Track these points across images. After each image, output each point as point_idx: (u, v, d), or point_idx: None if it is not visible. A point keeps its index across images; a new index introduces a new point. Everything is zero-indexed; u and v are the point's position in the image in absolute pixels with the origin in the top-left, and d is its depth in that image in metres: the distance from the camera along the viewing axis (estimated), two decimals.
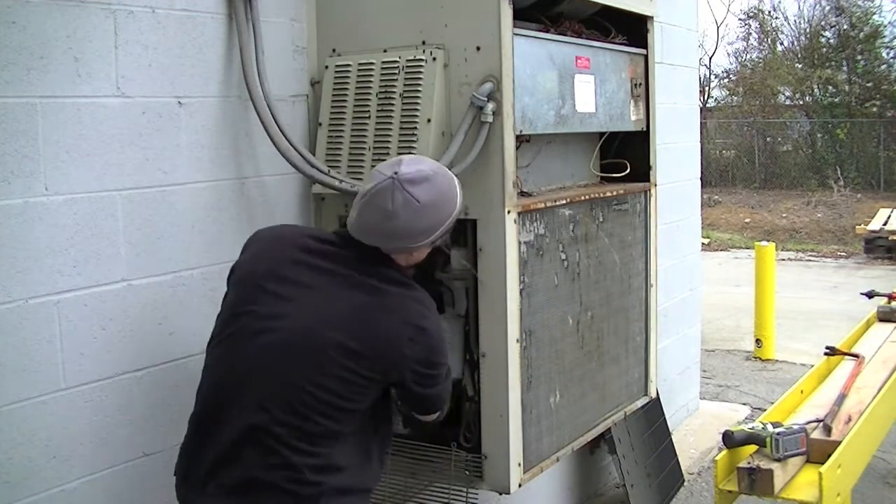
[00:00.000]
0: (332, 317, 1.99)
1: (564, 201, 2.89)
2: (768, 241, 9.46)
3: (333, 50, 2.83)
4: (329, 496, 1.99)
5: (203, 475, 2.00)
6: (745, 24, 24.56)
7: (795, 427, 3.10)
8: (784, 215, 16.95)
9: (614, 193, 3.18)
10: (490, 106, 2.52)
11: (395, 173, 2.03)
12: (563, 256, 2.88)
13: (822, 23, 22.75)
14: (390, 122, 2.64)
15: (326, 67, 2.81)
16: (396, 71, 2.65)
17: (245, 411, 1.97)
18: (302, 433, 1.96)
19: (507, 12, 2.53)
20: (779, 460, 2.96)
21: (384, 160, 2.59)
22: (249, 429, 1.96)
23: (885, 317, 4.74)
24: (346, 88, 2.75)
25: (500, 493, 2.75)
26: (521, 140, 2.74)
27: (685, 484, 4.74)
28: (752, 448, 3.07)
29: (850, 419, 3.33)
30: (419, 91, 2.60)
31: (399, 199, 2.01)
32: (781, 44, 24.02)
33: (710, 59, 24.48)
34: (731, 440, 3.07)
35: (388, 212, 2.02)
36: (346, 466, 2.02)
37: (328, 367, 1.96)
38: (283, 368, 1.97)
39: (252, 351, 2.00)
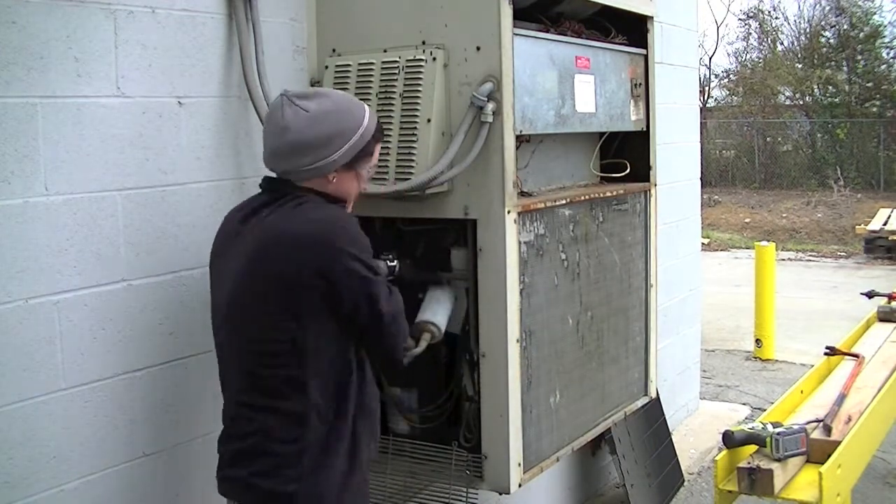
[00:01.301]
0: (234, 266, 2.05)
1: (564, 201, 2.89)
2: (768, 241, 9.46)
3: (333, 50, 2.83)
4: (312, 454, 2.00)
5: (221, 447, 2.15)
6: (745, 24, 24.61)
7: (795, 427, 3.10)
8: (784, 215, 16.95)
9: (614, 193, 3.18)
10: (490, 106, 2.52)
11: (285, 91, 2.06)
12: (563, 256, 2.88)
13: (823, 23, 22.76)
14: (390, 122, 2.64)
15: (326, 67, 2.81)
16: (396, 71, 2.65)
17: (225, 387, 2.14)
18: (259, 391, 2.03)
19: (507, 12, 2.53)
20: (779, 460, 2.96)
21: (384, 160, 2.60)
22: (229, 404, 2.13)
23: (886, 317, 4.74)
24: (346, 88, 2.74)
25: (500, 493, 2.75)
26: (521, 140, 2.74)
27: (685, 484, 4.74)
28: (752, 448, 3.07)
29: (850, 419, 3.33)
30: (419, 91, 2.60)
31: (289, 113, 2.02)
32: (781, 44, 24.06)
33: (710, 59, 24.53)
34: (731, 440, 3.07)
35: (278, 126, 2.03)
36: (317, 414, 2.00)
37: (247, 314, 2.02)
38: (229, 338, 2.09)
39: (216, 329, 2.16)
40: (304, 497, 2.00)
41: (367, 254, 2.04)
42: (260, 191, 2.15)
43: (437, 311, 2.61)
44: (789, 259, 13.21)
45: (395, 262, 2.58)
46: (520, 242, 2.64)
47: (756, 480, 2.91)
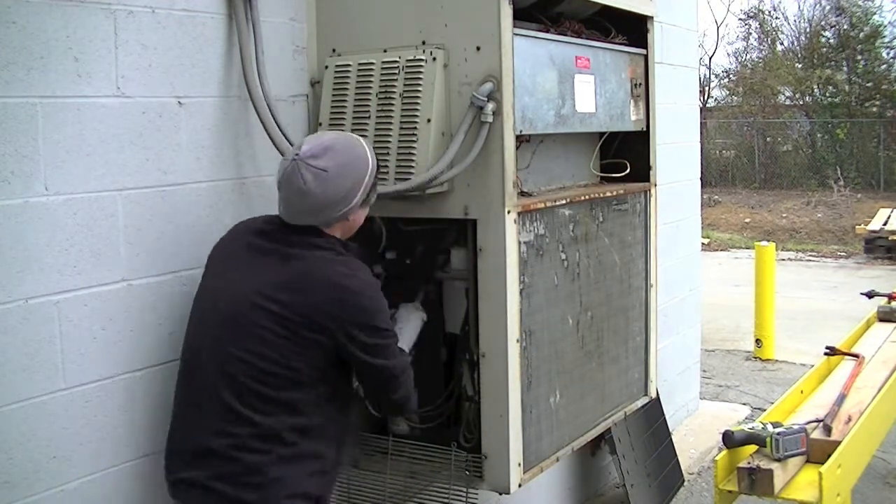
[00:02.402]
0: (256, 284, 2.11)
1: (564, 201, 2.89)
2: (768, 241, 9.46)
3: (333, 50, 2.83)
4: (276, 464, 2.05)
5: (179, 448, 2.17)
6: (745, 24, 24.60)
7: (795, 427, 3.10)
8: (784, 215, 16.95)
9: (614, 193, 3.18)
10: (490, 106, 2.52)
11: (297, 154, 2.15)
12: (563, 256, 2.88)
13: (823, 23, 22.76)
14: (390, 123, 2.64)
15: (326, 67, 2.81)
16: (396, 71, 2.65)
17: (196, 386, 2.15)
18: (241, 401, 2.06)
19: (507, 12, 2.53)
20: (779, 460, 2.96)
21: (384, 160, 2.60)
22: (204, 400, 2.12)
23: (886, 317, 4.74)
24: (346, 88, 2.75)
25: (500, 493, 2.75)
26: (521, 140, 2.74)
27: (685, 484, 4.74)
28: (752, 448, 3.07)
29: (850, 419, 3.33)
30: (419, 91, 2.60)
31: (308, 176, 2.12)
32: (781, 44, 24.06)
33: (710, 59, 24.52)
34: (731, 440, 3.07)
35: (301, 190, 2.13)
36: (297, 434, 2.08)
37: (250, 329, 2.08)
38: (217, 338, 2.11)
39: (200, 326, 2.20)
40: None
41: (386, 322, 2.20)
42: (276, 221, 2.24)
43: (404, 334, 2.62)
44: (789, 259, 13.21)
45: (382, 272, 2.71)
46: (520, 242, 2.64)
47: (756, 480, 2.91)
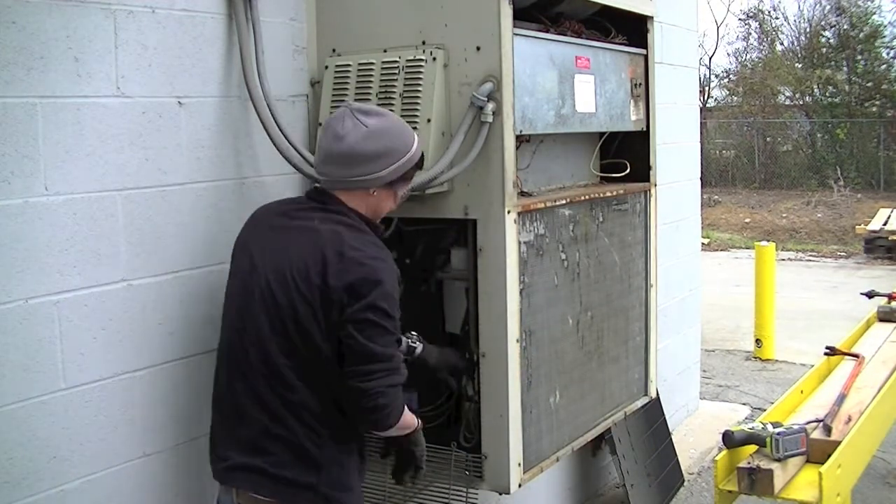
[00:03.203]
0: (280, 263, 2.14)
1: (564, 201, 2.89)
2: (768, 241, 9.46)
3: (333, 50, 2.83)
4: (332, 449, 2.15)
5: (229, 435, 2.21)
6: (745, 24, 24.60)
7: (795, 427, 3.10)
8: (784, 215, 16.95)
9: (614, 193, 3.18)
10: (490, 106, 2.52)
11: (348, 104, 2.20)
12: (563, 256, 2.88)
13: (823, 23, 22.76)
14: None
15: (326, 67, 2.81)
16: (396, 71, 2.65)
17: (235, 374, 2.19)
18: (286, 386, 2.11)
19: (506, 12, 2.53)
20: (779, 460, 2.96)
21: None
22: (242, 391, 2.17)
23: (886, 317, 4.74)
24: (346, 88, 2.75)
25: (500, 493, 2.75)
26: (521, 140, 2.74)
27: (685, 484, 4.74)
28: (752, 448, 3.07)
29: (850, 419, 3.33)
30: (419, 91, 2.60)
31: (349, 124, 2.15)
32: (781, 43, 24.06)
33: (710, 59, 24.51)
34: (731, 440, 3.07)
35: (337, 134, 2.15)
36: (340, 413, 2.14)
37: (283, 312, 2.10)
38: (256, 326, 2.14)
39: (237, 314, 2.21)
40: (326, 486, 2.12)
41: (392, 309, 2.13)
42: (305, 196, 2.30)
43: None
44: (789, 259, 13.21)
45: (419, 344, 2.59)
46: (520, 242, 2.64)
47: (756, 480, 2.91)
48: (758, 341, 7.54)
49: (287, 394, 2.11)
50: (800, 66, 22.75)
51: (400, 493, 2.84)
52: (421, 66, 2.61)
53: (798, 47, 23.50)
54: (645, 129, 3.36)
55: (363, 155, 2.15)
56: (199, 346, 2.51)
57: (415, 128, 2.59)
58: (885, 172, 19.67)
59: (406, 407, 2.22)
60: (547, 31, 2.82)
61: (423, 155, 2.29)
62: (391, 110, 2.63)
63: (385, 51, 2.70)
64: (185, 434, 2.50)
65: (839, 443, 3.07)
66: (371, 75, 2.70)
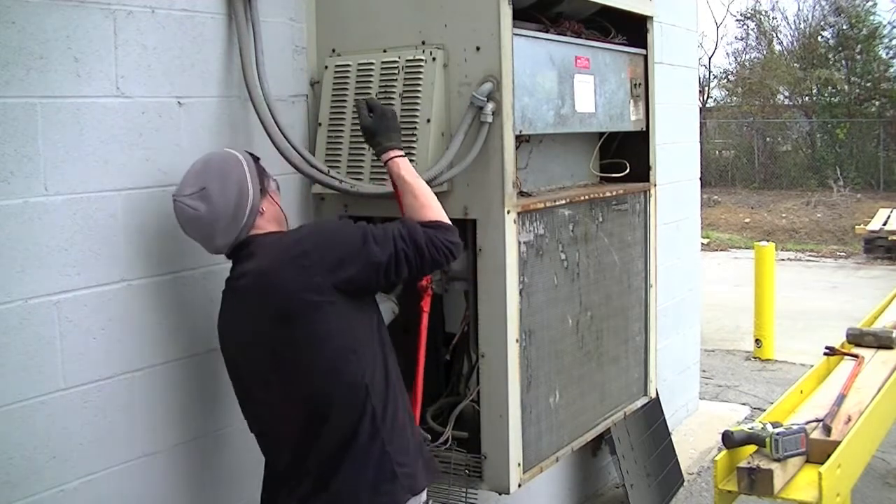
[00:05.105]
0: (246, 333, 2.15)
1: (564, 201, 2.89)
2: (768, 241, 9.46)
3: (333, 50, 2.83)
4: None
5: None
6: (744, 25, 24.61)
7: (795, 427, 3.10)
8: (784, 215, 16.95)
9: (614, 193, 3.18)
10: (490, 106, 2.52)
11: (174, 197, 2.20)
12: (563, 256, 2.88)
13: (822, 23, 22.76)
14: None
15: (326, 67, 2.81)
16: (396, 71, 2.65)
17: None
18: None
19: (506, 12, 2.53)
20: (778, 460, 2.96)
21: None
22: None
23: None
24: (346, 88, 2.75)
25: (500, 494, 2.75)
26: (521, 140, 2.74)
27: (685, 484, 4.74)
28: (752, 448, 3.07)
29: (849, 419, 3.33)
30: (419, 91, 2.60)
31: (194, 203, 2.15)
32: (780, 43, 24.05)
33: (710, 59, 24.51)
34: (730, 440, 3.07)
35: (198, 217, 2.16)
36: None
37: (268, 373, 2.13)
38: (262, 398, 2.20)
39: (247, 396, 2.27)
40: None
41: (355, 232, 2.12)
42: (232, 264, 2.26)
43: None
44: (789, 259, 13.21)
45: (394, 302, 2.61)
46: (519, 242, 2.64)
47: (756, 480, 2.91)
48: (757, 341, 7.55)
49: None
50: (798, 66, 22.74)
51: None
52: (420, 66, 2.61)
53: (796, 47, 23.50)
54: (645, 129, 3.36)
55: (231, 202, 2.16)
56: (199, 345, 2.51)
57: (414, 128, 2.59)
58: (884, 172, 19.68)
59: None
60: (547, 31, 2.82)
61: (245, 152, 2.29)
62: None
63: (385, 51, 2.70)
64: (185, 434, 2.50)
65: (839, 443, 3.07)
66: (371, 75, 2.70)
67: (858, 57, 21.74)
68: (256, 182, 2.21)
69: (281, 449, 2.17)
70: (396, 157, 2.32)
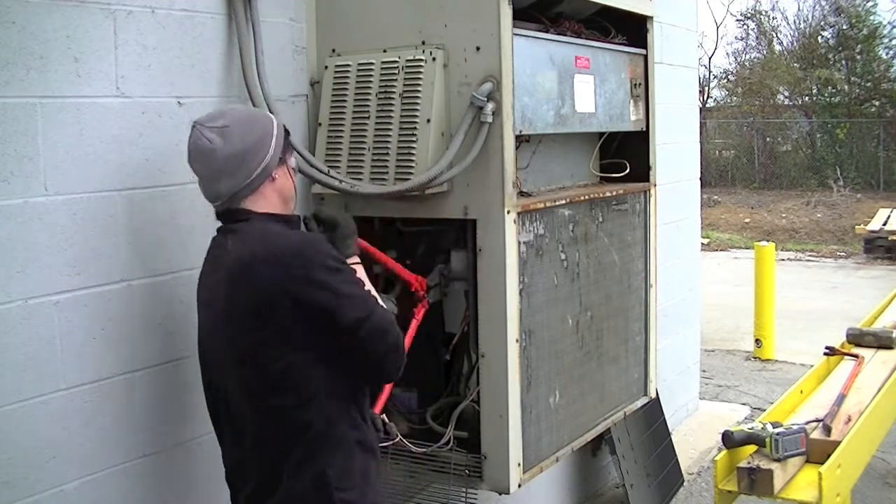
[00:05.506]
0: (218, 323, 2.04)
1: (564, 201, 2.89)
2: (768, 241, 9.46)
3: (333, 50, 2.83)
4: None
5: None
6: (744, 25, 24.61)
7: (795, 427, 3.10)
8: (783, 215, 16.95)
9: (614, 193, 3.18)
10: (490, 106, 2.52)
11: (194, 123, 2.07)
12: (563, 257, 2.88)
13: (822, 23, 22.76)
14: (390, 122, 2.64)
15: (326, 67, 2.81)
16: (396, 71, 2.65)
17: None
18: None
19: (506, 12, 2.53)
20: (778, 460, 2.96)
21: (384, 160, 2.60)
22: None
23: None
24: (346, 88, 2.75)
25: (500, 494, 2.75)
26: (521, 140, 2.74)
27: (685, 484, 4.74)
28: (752, 448, 3.07)
29: (849, 419, 3.33)
30: (419, 91, 2.60)
31: (211, 135, 2.03)
32: (780, 43, 24.05)
33: (710, 59, 24.51)
34: (730, 440, 3.07)
35: (210, 150, 2.03)
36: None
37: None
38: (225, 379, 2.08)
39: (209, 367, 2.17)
40: None
41: (336, 262, 2.00)
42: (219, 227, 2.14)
43: None
44: (789, 259, 13.21)
45: (393, 302, 2.54)
46: (519, 242, 2.64)
47: (756, 480, 2.91)
48: (757, 341, 7.55)
49: None
50: (798, 66, 22.74)
51: (399, 493, 2.84)
52: (420, 66, 2.61)
53: (796, 47, 23.50)
54: (645, 129, 3.36)
55: (245, 149, 2.04)
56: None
57: (414, 127, 2.59)
58: (884, 172, 19.68)
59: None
60: (547, 31, 2.82)
61: (282, 124, 2.19)
62: (391, 110, 2.63)
63: (385, 51, 2.70)
64: (185, 434, 2.50)
65: (839, 443, 3.07)
66: (371, 75, 2.70)
67: (858, 57, 21.73)
68: (279, 148, 2.10)
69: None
70: (354, 264, 2.20)
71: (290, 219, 2.13)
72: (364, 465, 2.04)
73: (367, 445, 2.06)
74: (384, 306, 2.07)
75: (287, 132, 2.18)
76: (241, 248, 2.00)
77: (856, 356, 4.08)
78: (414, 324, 2.63)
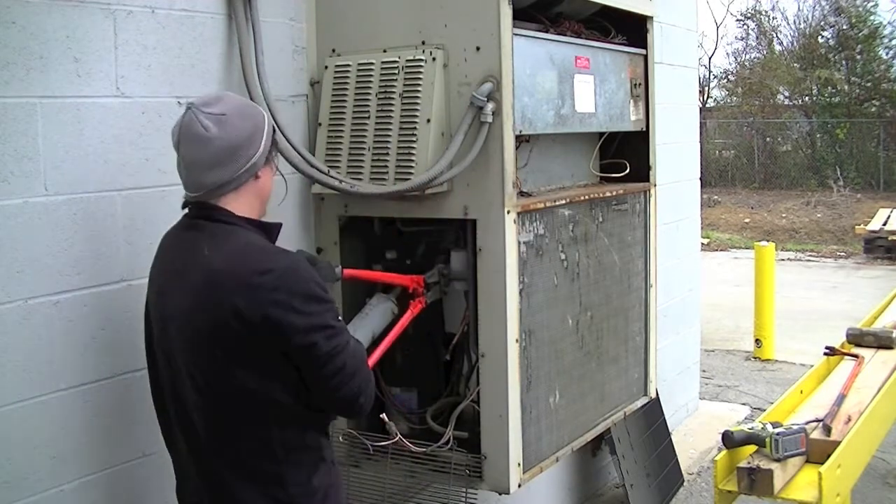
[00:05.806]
0: (177, 309, 1.94)
1: (564, 201, 2.89)
2: (768, 241, 9.47)
3: (333, 50, 2.83)
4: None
5: None
6: (744, 25, 24.61)
7: (795, 427, 3.10)
8: (784, 215, 16.95)
9: (614, 193, 3.18)
10: (490, 106, 2.51)
11: (190, 105, 1.94)
12: (563, 257, 2.88)
13: (822, 23, 22.76)
14: (390, 123, 2.64)
15: (326, 67, 2.81)
16: (396, 71, 2.65)
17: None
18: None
19: (506, 12, 2.53)
20: (778, 460, 2.96)
21: (384, 160, 2.60)
22: None
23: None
24: (346, 88, 2.75)
25: (500, 494, 2.75)
26: (521, 140, 2.74)
27: (685, 484, 4.75)
28: (752, 448, 3.07)
29: (849, 419, 3.33)
30: (419, 91, 2.60)
31: (207, 122, 1.90)
32: (780, 43, 24.05)
33: (710, 59, 24.51)
34: (730, 440, 3.07)
35: (203, 137, 1.90)
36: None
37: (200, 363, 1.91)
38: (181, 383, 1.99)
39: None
40: None
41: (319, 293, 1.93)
42: (189, 218, 2.02)
43: (369, 319, 2.63)
44: (789, 259, 13.21)
45: (338, 266, 2.59)
46: (519, 242, 2.64)
47: (756, 480, 2.91)
48: (757, 341, 7.55)
49: None
50: (798, 66, 22.74)
51: (399, 493, 2.84)
52: (420, 66, 2.61)
53: (796, 47, 23.50)
54: (644, 129, 3.36)
55: (238, 142, 1.93)
56: None
57: (414, 128, 2.59)
58: (884, 172, 19.68)
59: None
60: (546, 31, 2.82)
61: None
62: (391, 110, 2.63)
63: (385, 51, 2.70)
64: None
65: (839, 443, 3.07)
66: (371, 75, 2.70)
67: (858, 57, 21.73)
68: (268, 146, 2.00)
69: None
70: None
71: (269, 228, 2.03)
72: (326, 482, 2.01)
73: (329, 461, 2.03)
74: (359, 340, 2.04)
75: (274, 130, 2.10)
76: (219, 260, 1.89)
77: (856, 356, 4.07)
78: (406, 316, 2.64)
